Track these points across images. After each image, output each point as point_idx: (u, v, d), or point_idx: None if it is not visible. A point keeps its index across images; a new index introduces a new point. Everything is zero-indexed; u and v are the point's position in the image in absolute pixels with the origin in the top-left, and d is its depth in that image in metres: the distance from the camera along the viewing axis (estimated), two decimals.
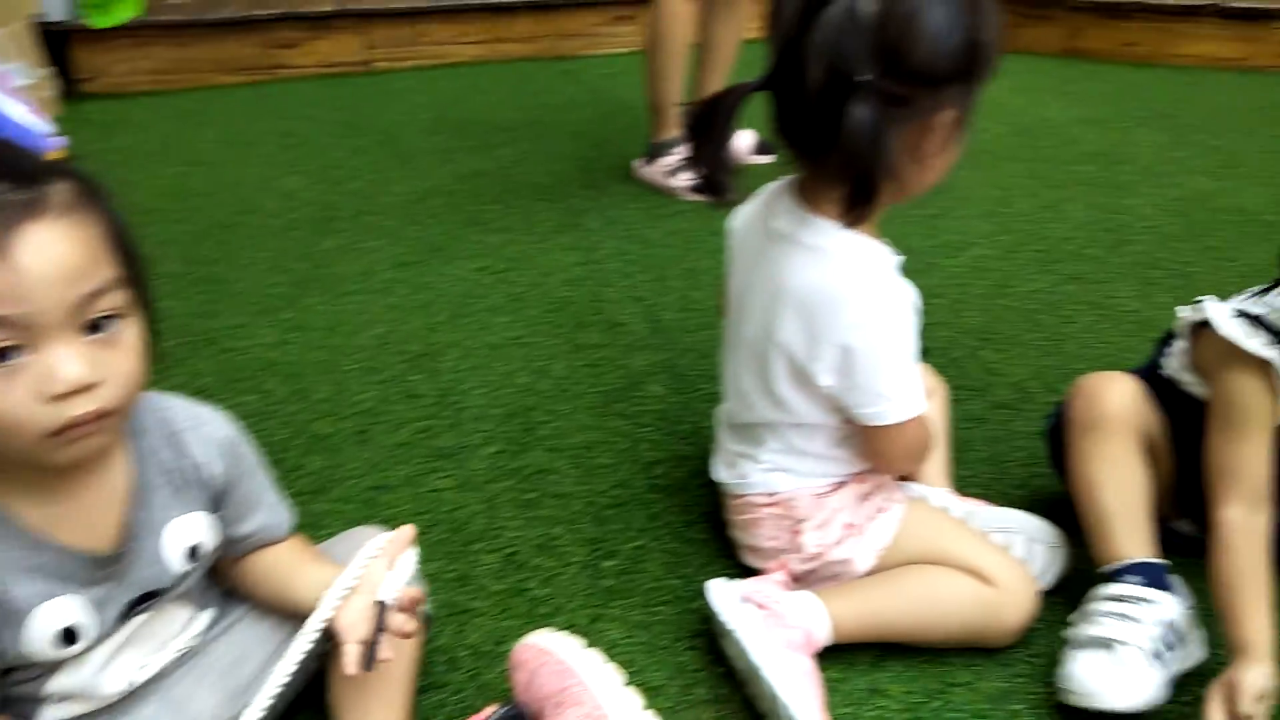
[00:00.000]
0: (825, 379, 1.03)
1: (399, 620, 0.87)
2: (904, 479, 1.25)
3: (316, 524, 1.31)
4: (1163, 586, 1.05)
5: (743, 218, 1.14)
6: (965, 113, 0.96)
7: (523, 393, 1.63)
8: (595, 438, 1.51)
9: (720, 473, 1.20)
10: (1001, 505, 1.29)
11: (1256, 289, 1.12)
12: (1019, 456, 1.44)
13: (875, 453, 1.10)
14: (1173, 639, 1.02)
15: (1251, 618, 0.99)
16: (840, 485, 1.12)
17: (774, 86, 0.96)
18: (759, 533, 1.15)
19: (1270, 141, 2.78)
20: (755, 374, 1.10)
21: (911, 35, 0.88)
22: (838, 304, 0.99)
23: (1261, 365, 1.03)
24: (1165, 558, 1.09)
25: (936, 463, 1.28)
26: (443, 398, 1.62)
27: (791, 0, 0.91)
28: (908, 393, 1.03)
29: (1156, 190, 2.44)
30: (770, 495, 1.13)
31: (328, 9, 3.69)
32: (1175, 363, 1.16)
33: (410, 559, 0.91)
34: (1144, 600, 1.03)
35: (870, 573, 1.10)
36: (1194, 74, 3.52)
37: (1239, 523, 1.03)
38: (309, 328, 1.85)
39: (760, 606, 1.04)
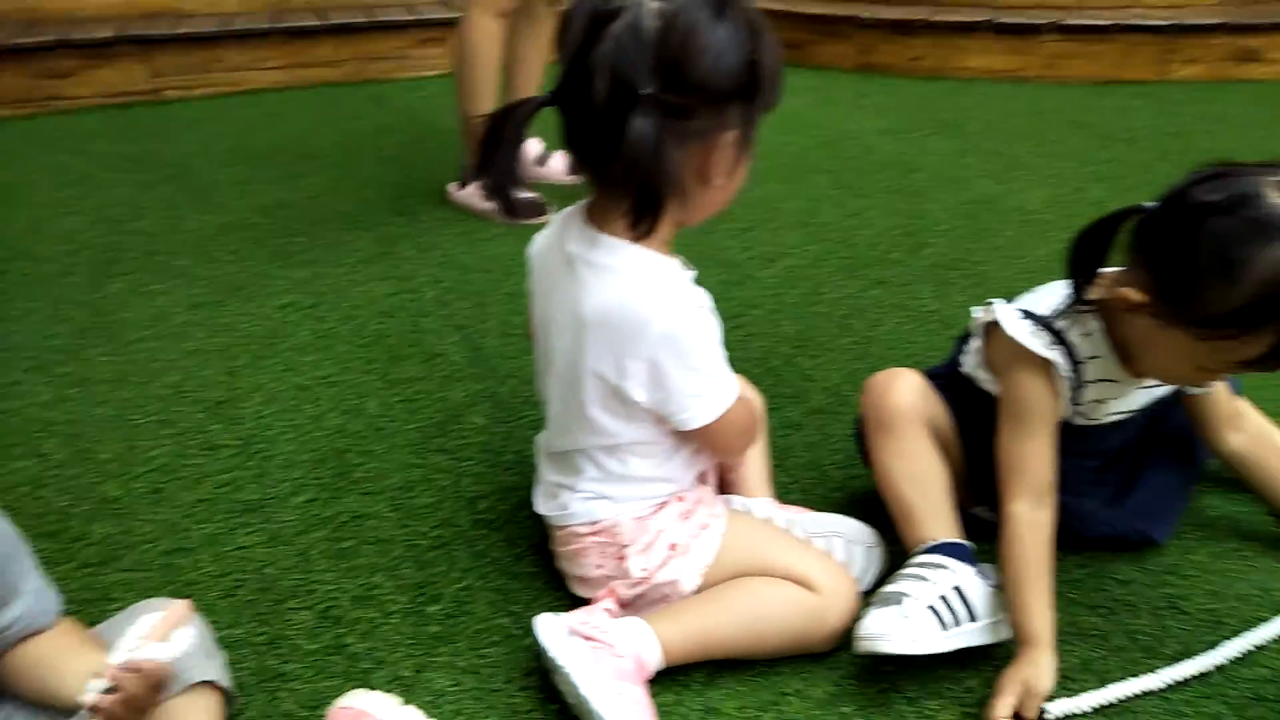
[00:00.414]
0: (639, 394, 1.02)
1: (129, 681, 0.78)
2: (725, 492, 1.26)
3: (105, 597, 1.19)
4: (961, 559, 1.09)
5: (539, 243, 1.11)
6: (748, 135, 0.97)
7: (334, 435, 1.54)
8: (415, 476, 1.44)
9: (541, 505, 1.17)
10: (823, 509, 1.32)
11: (1043, 289, 1.18)
12: (837, 459, 1.48)
13: (709, 447, 1.11)
14: (960, 604, 1.05)
15: (1038, 609, 1.06)
16: (662, 506, 1.11)
17: (561, 101, 0.95)
18: (585, 562, 1.12)
19: (1044, 145, 3.01)
20: (568, 400, 1.07)
21: (692, 50, 0.89)
22: (638, 321, 0.99)
23: (1044, 365, 1.09)
24: (971, 542, 1.14)
25: (758, 473, 1.29)
26: (246, 447, 1.51)
27: (579, 16, 0.92)
28: (720, 385, 1.04)
29: (949, 195, 2.60)
30: (593, 524, 1.10)
31: (107, 35, 3.44)
32: (971, 361, 1.22)
33: (188, 634, 0.83)
34: (939, 566, 1.08)
35: (697, 591, 1.10)
36: (976, 85, 3.78)
37: (1024, 517, 1.09)
38: (92, 381, 1.69)
39: (588, 638, 1.01)
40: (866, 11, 4.06)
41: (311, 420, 1.58)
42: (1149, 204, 1.00)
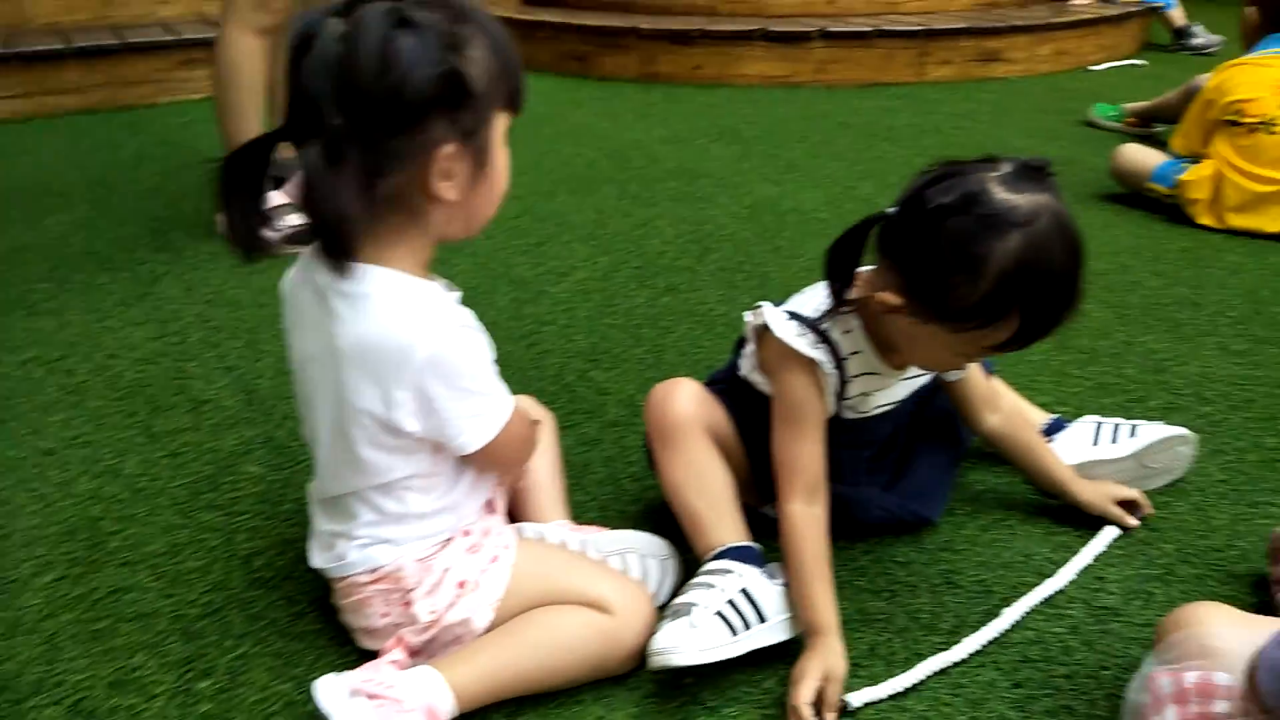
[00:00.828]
0: (412, 425, 0.97)
1: None
2: (517, 519, 1.22)
3: None
4: (748, 562, 1.11)
5: (290, 277, 1.04)
6: (472, 144, 0.93)
7: (87, 502, 1.39)
8: (181, 539, 1.32)
9: (316, 558, 1.10)
10: (621, 524, 1.32)
11: (809, 289, 1.22)
12: (633, 471, 1.47)
13: (490, 466, 1.08)
14: (749, 606, 1.06)
15: (822, 599, 1.09)
16: (446, 543, 1.06)
17: (288, 134, 0.90)
18: (369, 612, 1.06)
19: (816, 147, 3.16)
20: (335, 442, 1.01)
21: (372, 71, 0.86)
22: (399, 348, 0.94)
23: (810, 364, 1.13)
24: (762, 540, 1.16)
25: (551, 496, 1.27)
26: None
27: (290, 42, 0.87)
28: (494, 402, 1.02)
29: (732, 200, 2.67)
30: (373, 571, 1.04)
31: None
32: (747, 364, 1.24)
33: None
34: (725, 571, 1.09)
35: (492, 628, 1.06)
36: (752, 92, 3.93)
37: (800, 514, 1.12)
38: None
39: (372, 696, 0.95)
40: (646, 23, 4.14)
41: (59, 488, 1.42)
42: (890, 209, 1.05)
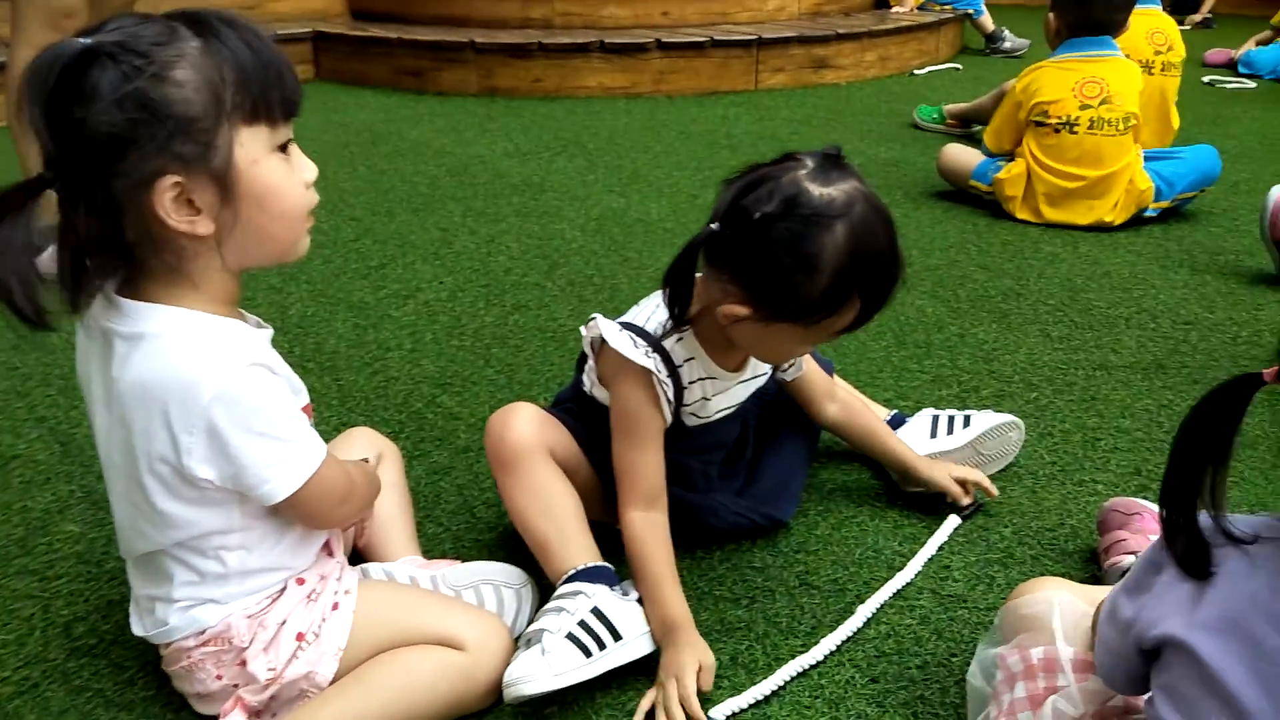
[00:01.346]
0: (205, 471, 0.90)
1: None
2: (364, 560, 1.17)
3: None
4: (599, 582, 1.10)
5: (81, 324, 0.96)
6: (202, 169, 0.85)
7: None
8: None
9: (137, 625, 1.01)
10: (477, 553, 1.28)
11: (646, 300, 1.22)
12: (488, 498, 1.43)
13: (303, 519, 1.00)
14: (602, 626, 1.05)
15: (674, 598, 1.10)
16: (279, 594, 1.00)
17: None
18: (201, 677, 0.98)
19: (659, 157, 3.20)
20: (132, 495, 0.94)
21: (63, 111, 0.81)
22: (183, 387, 0.87)
23: (645, 374, 1.13)
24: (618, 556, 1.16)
25: (399, 533, 1.22)
26: None
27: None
28: (299, 449, 0.94)
29: (578, 212, 2.66)
30: (200, 634, 0.97)
31: None
32: (588, 380, 1.23)
33: None
34: (575, 594, 1.08)
35: (338, 678, 1.00)
36: (594, 103, 3.94)
37: (640, 520, 1.13)
38: None
39: None
40: (483, 36, 4.09)
41: None
42: (712, 226, 1.06)
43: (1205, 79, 4.56)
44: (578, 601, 1.06)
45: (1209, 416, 0.70)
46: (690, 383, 1.17)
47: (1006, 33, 5.19)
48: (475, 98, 4.02)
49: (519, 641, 1.06)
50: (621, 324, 1.15)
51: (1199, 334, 1.94)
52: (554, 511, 1.14)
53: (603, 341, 1.14)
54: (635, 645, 1.07)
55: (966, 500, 1.37)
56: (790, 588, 1.25)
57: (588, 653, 1.02)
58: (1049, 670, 0.91)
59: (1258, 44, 4.84)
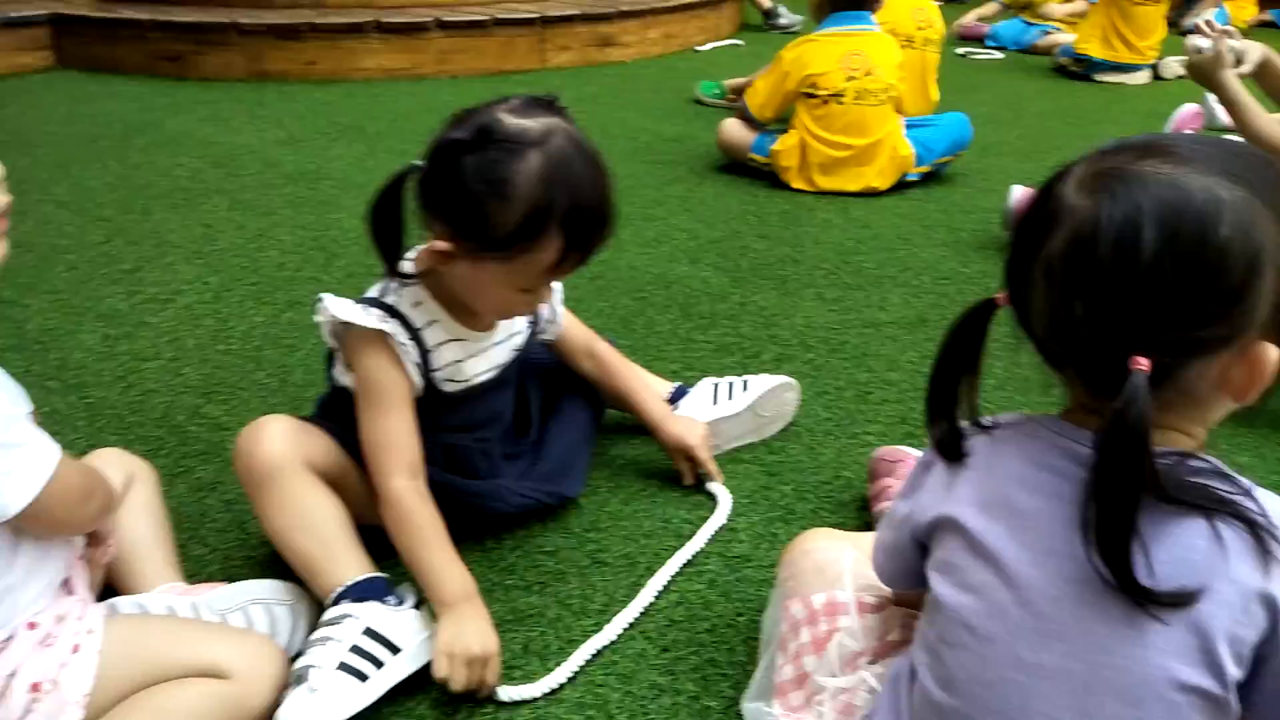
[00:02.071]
0: None
1: None
2: (115, 594, 1.07)
3: None
4: (368, 597, 1.05)
5: None
6: None
7: None
8: None
9: None
10: (248, 572, 1.21)
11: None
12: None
13: (47, 529, 0.92)
14: (377, 644, 1.01)
15: (450, 567, 1.08)
16: (7, 641, 0.89)
17: None
18: None
19: None
20: None
21: None
22: None
23: (381, 338, 1.10)
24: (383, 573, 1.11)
25: (155, 560, 1.12)
26: None
27: None
28: (30, 452, 0.86)
29: (357, 201, 2.53)
30: None
31: None
32: (338, 371, 1.18)
33: None
34: (343, 617, 1.02)
35: None
36: (373, 86, 3.79)
37: (403, 489, 1.09)
38: None
39: None
40: (247, 18, 3.84)
41: None
42: (419, 162, 1.06)
43: (959, 51, 4.90)
44: (345, 627, 1.00)
45: (959, 337, 0.78)
46: (437, 345, 1.15)
47: (782, 9, 5.39)
48: (243, 83, 3.77)
49: (292, 674, 0.99)
50: (357, 299, 1.13)
51: (956, 288, 2.09)
52: (316, 527, 1.08)
53: (346, 326, 1.11)
54: (417, 654, 1.03)
55: (688, 481, 1.39)
56: (582, 568, 1.25)
57: (363, 677, 0.97)
58: (831, 614, 0.95)
59: (978, 19, 5.25)
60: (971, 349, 0.78)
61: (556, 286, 1.31)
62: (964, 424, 0.80)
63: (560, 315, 1.34)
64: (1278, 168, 0.70)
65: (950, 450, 0.80)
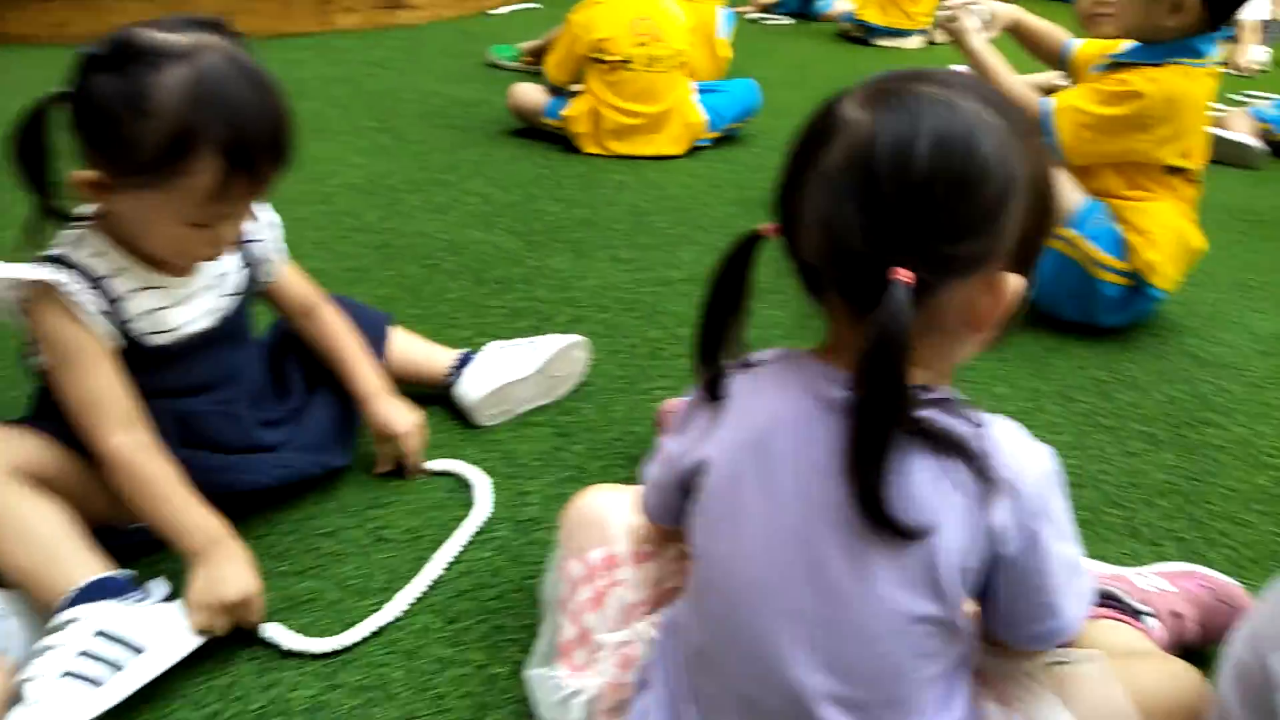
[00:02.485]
0: None
1: None
2: None
3: None
4: (101, 597, 0.96)
5: None
6: None
7: None
8: None
9: None
10: None
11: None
12: None
13: None
14: (113, 645, 0.92)
15: (190, 515, 1.01)
16: None
17: None
18: None
19: None
20: None
21: None
22: None
23: (50, 291, 1.01)
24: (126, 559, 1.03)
25: None
26: None
27: None
28: None
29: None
30: None
31: None
32: (33, 355, 1.09)
33: None
34: (65, 624, 0.93)
35: None
36: None
37: (129, 443, 1.02)
38: None
39: None
40: None
41: None
42: (62, 89, 0.98)
43: (750, 18, 5.02)
44: (70, 633, 0.91)
45: (725, 274, 0.77)
46: (129, 293, 1.06)
47: None
48: None
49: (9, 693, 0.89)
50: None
51: None
52: (31, 537, 0.97)
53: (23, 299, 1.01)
54: (168, 650, 0.95)
55: (380, 469, 1.30)
56: (362, 546, 1.19)
57: (96, 683, 0.88)
58: (609, 568, 0.94)
59: None
60: (737, 286, 0.78)
61: (268, 222, 1.23)
62: (728, 363, 0.80)
63: (275, 257, 1.24)
64: (1029, 115, 0.74)
65: (714, 390, 0.80)
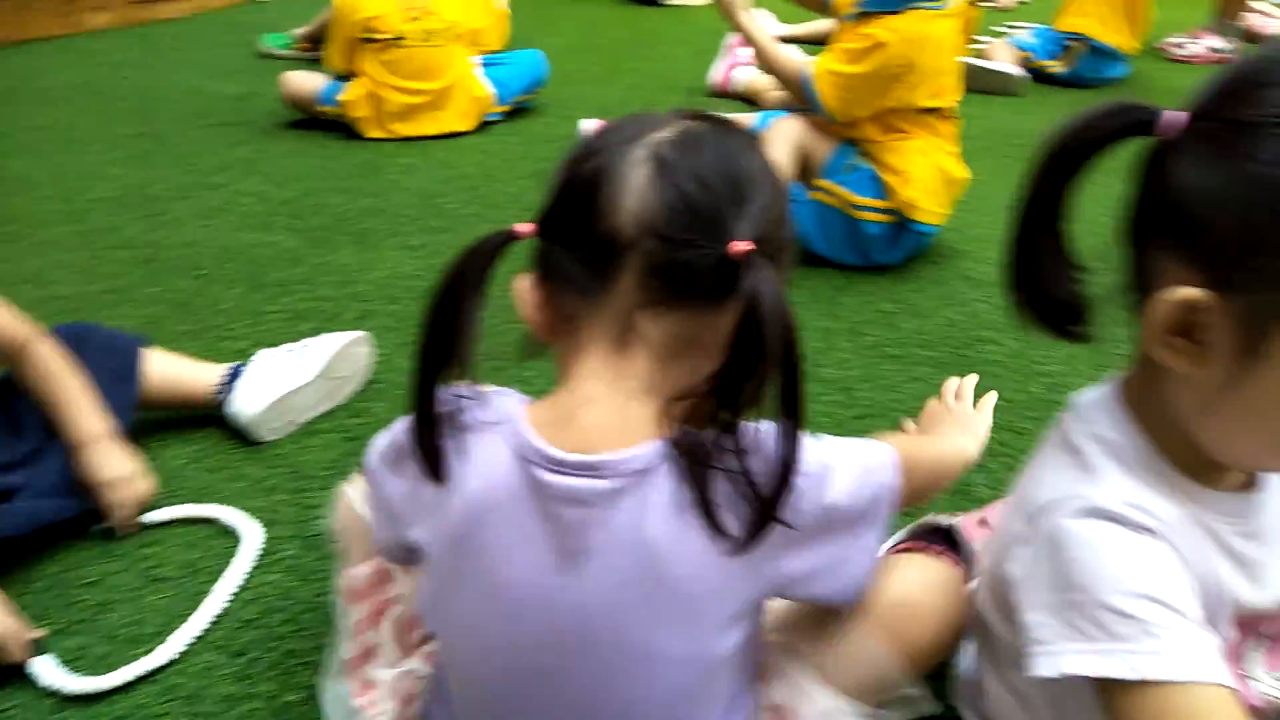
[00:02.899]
0: None
1: None
2: None
3: None
4: None
5: None
6: None
7: None
8: None
9: None
10: None
11: None
12: None
13: None
14: None
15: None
16: None
17: None
18: None
19: None
20: None
21: None
22: None
23: None
24: None
25: None
26: None
27: None
28: None
29: None
30: None
31: None
32: None
33: None
34: None
35: None
36: None
37: None
38: None
39: None
40: None
41: None
42: None
43: None
44: None
45: (460, 270, 0.67)
46: None
47: None
48: None
49: None
50: None
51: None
52: None
53: None
54: None
55: (112, 522, 1.15)
56: (134, 591, 1.09)
57: None
58: (380, 584, 0.89)
59: None
60: (478, 283, 0.66)
61: None
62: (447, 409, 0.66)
63: None
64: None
65: (434, 471, 0.66)
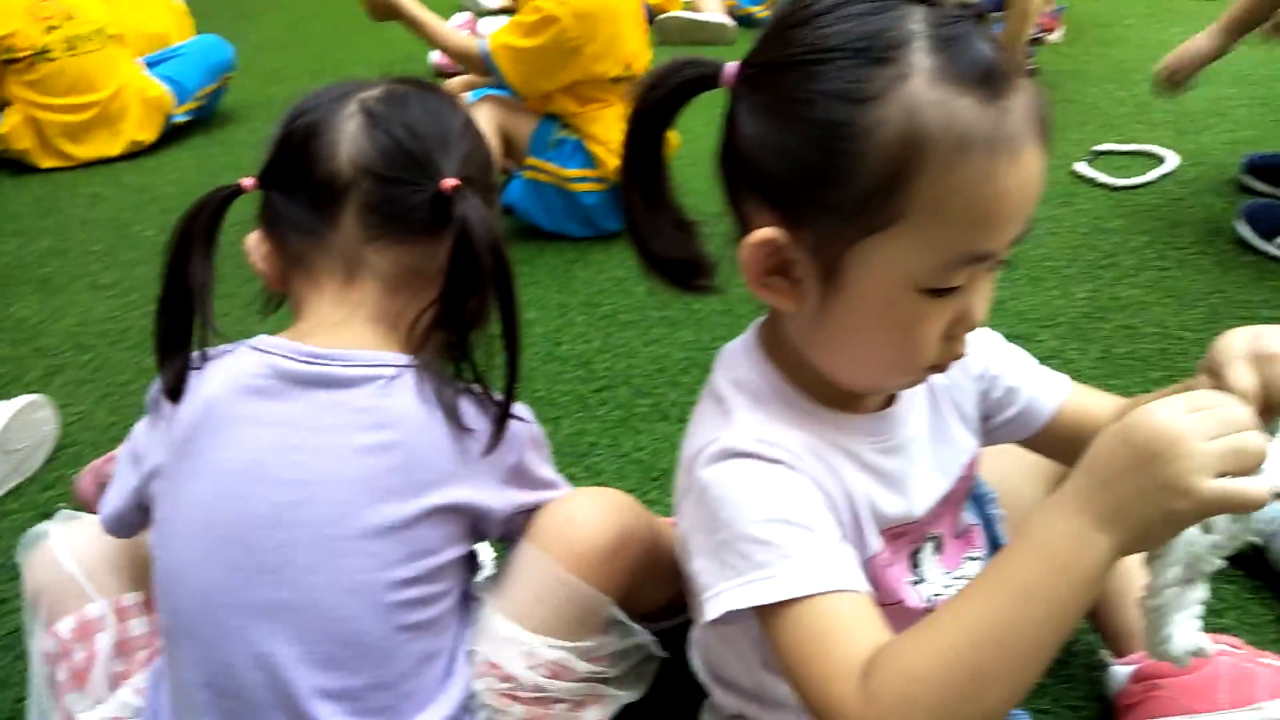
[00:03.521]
0: None
1: None
2: None
3: None
4: None
5: None
6: None
7: None
8: None
9: None
10: None
11: None
12: None
13: None
14: None
15: None
16: None
17: None
18: None
19: None
20: None
21: None
22: None
23: None
24: None
25: None
26: None
27: None
28: None
29: None
30: None
31: None
32: None
33: None
34: None
35: None
36: None
37: None
38: None
39: None
40: None
41: None
42: None
43: None
44: None
45: (187, 228, 0.71)
46: None
47: None
48: None
49: None
50: None
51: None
52: None
53: None
54: None
55: None
56: None
57: None
58: (85, 637, 0.79)
59: None
60: (204, 264, 0.70)
61: None
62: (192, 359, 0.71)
63: None
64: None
65: (175, 391, 0.71)
